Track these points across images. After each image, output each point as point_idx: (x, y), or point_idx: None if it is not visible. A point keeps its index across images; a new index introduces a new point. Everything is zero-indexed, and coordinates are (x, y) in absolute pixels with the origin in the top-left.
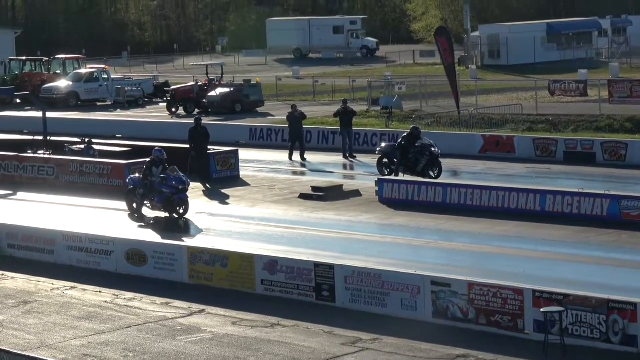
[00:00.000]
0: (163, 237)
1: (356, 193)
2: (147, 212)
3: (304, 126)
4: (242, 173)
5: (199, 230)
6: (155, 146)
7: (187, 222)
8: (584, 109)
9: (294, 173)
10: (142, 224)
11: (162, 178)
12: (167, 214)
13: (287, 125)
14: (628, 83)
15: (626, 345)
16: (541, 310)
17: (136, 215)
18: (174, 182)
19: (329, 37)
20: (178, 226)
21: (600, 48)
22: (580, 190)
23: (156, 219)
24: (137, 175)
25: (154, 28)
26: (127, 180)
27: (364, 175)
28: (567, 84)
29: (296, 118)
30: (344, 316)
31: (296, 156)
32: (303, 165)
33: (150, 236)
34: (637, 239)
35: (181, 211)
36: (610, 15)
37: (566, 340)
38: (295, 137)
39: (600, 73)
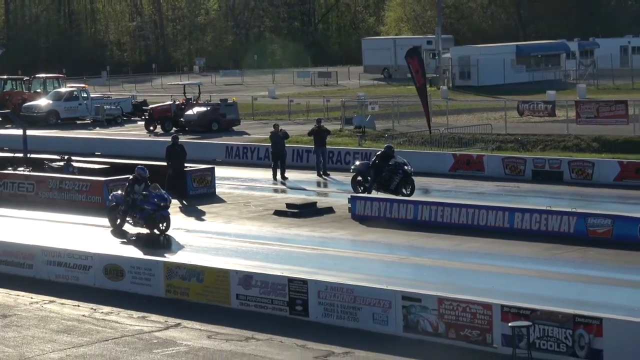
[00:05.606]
0: (144, 253)
1: (330, 210)
2: (129, 228)
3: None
4: (218, 190)
5: (177, 246)
6: (134, 164)
7: (165, 238)
8: (552, 128)
9: (269, 190)
10: (124, 240)
11: (144, 195)
12: (148, 230)
13: (262, 144)
14: (595, 104)
15: (592, 359)
16: (509, 324)
17: (118, 231)
18: (155, 199)
19: None
20: (157, 242)
21: (568, 70)
22: (548, 208)
23: (138, 235)
24: (119, 192)
25: (133, 48)
26: (110, 197)
27: (338, 192)
28: (535, 105)
29: (279, 137)
30: (317, 330)
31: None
32: (283, 184)
33: (131, 252)
34: (603, 255)
35: (162, 227)
36: (577, 38)
37: (533, 354)
38: (278, 157)
39: (567, 94)
